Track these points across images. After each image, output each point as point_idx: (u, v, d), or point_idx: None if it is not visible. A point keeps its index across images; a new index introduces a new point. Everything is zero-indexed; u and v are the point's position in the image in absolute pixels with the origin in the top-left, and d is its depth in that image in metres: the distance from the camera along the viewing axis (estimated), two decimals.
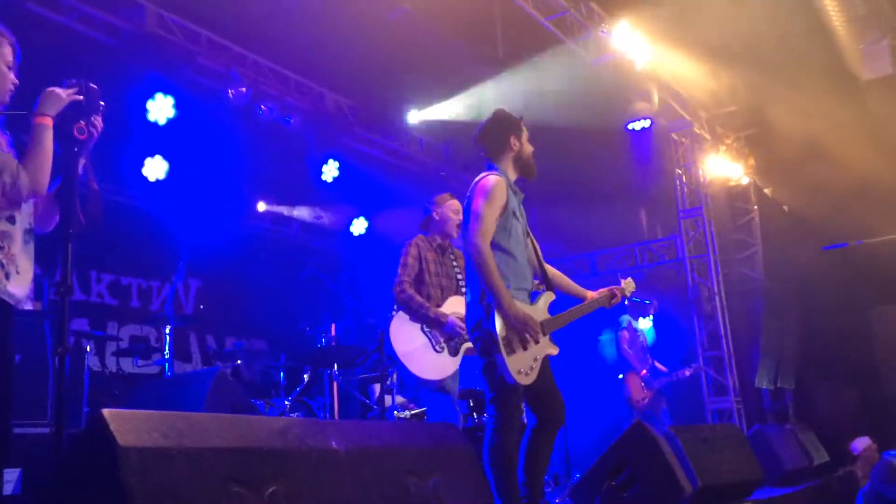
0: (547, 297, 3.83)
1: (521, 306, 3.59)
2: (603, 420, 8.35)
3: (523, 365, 3.54)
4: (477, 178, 3.82)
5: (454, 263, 5.16)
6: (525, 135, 3.99)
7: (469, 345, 4.96)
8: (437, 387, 4.79)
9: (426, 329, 4.84)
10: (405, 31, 7.18)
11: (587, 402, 8.75)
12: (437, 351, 4.83)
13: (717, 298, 9.79)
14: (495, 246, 3.66)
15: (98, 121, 2.75)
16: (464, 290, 5.07)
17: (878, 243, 11.53)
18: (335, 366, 6.72)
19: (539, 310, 3.74)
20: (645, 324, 8.38)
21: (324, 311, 8.60)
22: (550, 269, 4.06)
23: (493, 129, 3.96)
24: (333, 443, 2.69)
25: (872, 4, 7.60)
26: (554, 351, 3.75)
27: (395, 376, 6.29)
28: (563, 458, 7.14)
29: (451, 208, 5.15)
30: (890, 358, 12.15)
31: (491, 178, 3.76)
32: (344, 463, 2.67)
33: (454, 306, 4.94)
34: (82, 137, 2.64)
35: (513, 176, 3.92)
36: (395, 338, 4.76)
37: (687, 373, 8.05)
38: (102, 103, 2.74)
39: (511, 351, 3.50)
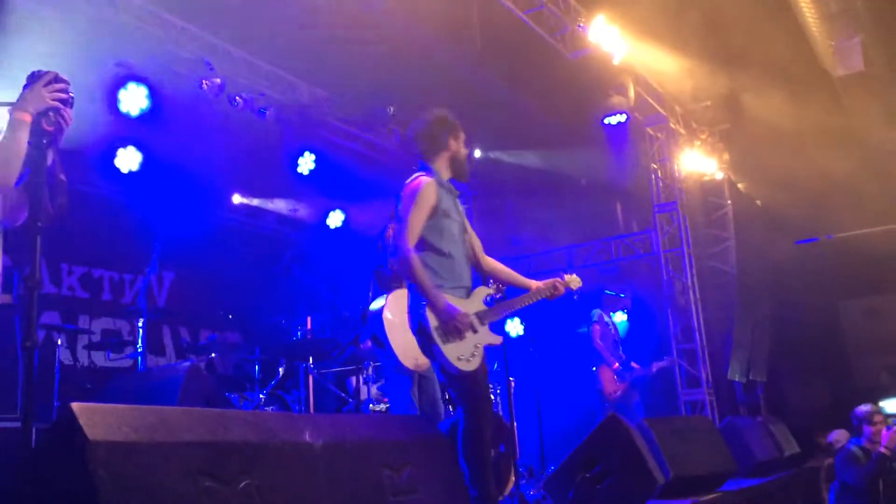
0: (480, 291, 3.90)
1: (453, 300, 3.68)
2: (577, 412, 8.41)
3: (462, 352, 3.63)
4: (408, 180, 3.87)
5: None
6: (462, 136, 4.03)
7: None
8: (410, 374, 4.81)
9: None
10: (382, 23, 7.15)
11: (562, 395, 8.81)
12: None
13: (690, 292, 9.88)
14: (428, 246, 3.75)
15: (68, 113, 2.71)
16: None
17: (849, 238, 11.72)
18: (311, 359, 6.70)
19: (474, 303, 3.82)
20: (619, 317, 8.43)
21: (299, 303, 8.55)
22: (492, 263, 4.14)
23: (431, 129, 4.01)
24: (307, 436, 2.69)
25: (845, 2, 7.68)
26: (496, 340, 3.82)
27: (370, 369, 6.30)
28: (538, 449, 7.18)
29: None
30: (859, 351, 12.37)
31: (419, 181, 3.83)
32: (318, 457, 2.66)
33: None
34: (51, 129, 2.60)
35: (446, 175, 3.98)
36: (388, 313, 4.77)
37: (656, 367, 8.12)
38: (72, 95, 2.70)
39: (446, 340, 3.59)
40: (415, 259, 3.64)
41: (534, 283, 4.19)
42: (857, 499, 5.92)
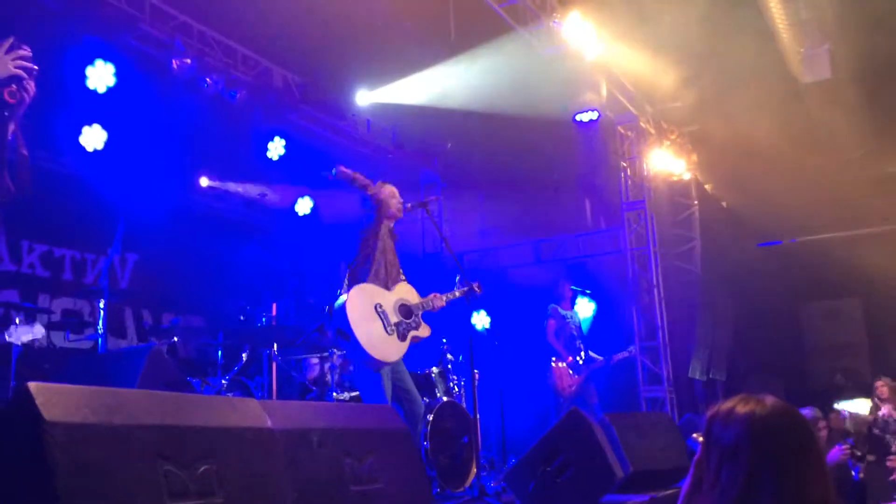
0: None
1: None
2: (540, 406, 8.46)
3: None
4: None
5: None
6: None
7: (416, 333, 4.98)
8: (378, 367, 4.79)
9: (380, 309, 4.86)
10: (356, 10, 7.09)
11: (526, 389, 8.85)
12: (387, 333, 4.84)
13: (655, 290, 9.98)
14: None
15: (31, 85, 2.65)
16: (403, 277, 5.14)
17: (811, 241, 11.93)
18: (275, 346, 6.65)
19: None
20: (586, 311, 8.44)
21: (265, 289, 8.48)
22: None
23: None
24: (269, 423, 2.67)
25: (816, 10, 7.78)
26: None
27: (335, 357, 6.27)
28: (500, 442, 7.22)
29: (385, 192, 5.18)
30: (817, 353, 12.62)
31: None
32: (279, 443, 2.64)
33: (401, 293, 5.00)
34: (13, 102, 2.54)
35: None
36: (352, 306, 4.73)
37: (616, 359, 8.16)
38: (36, 67, 2.64)
39: None
40: None
41: None
42: None
